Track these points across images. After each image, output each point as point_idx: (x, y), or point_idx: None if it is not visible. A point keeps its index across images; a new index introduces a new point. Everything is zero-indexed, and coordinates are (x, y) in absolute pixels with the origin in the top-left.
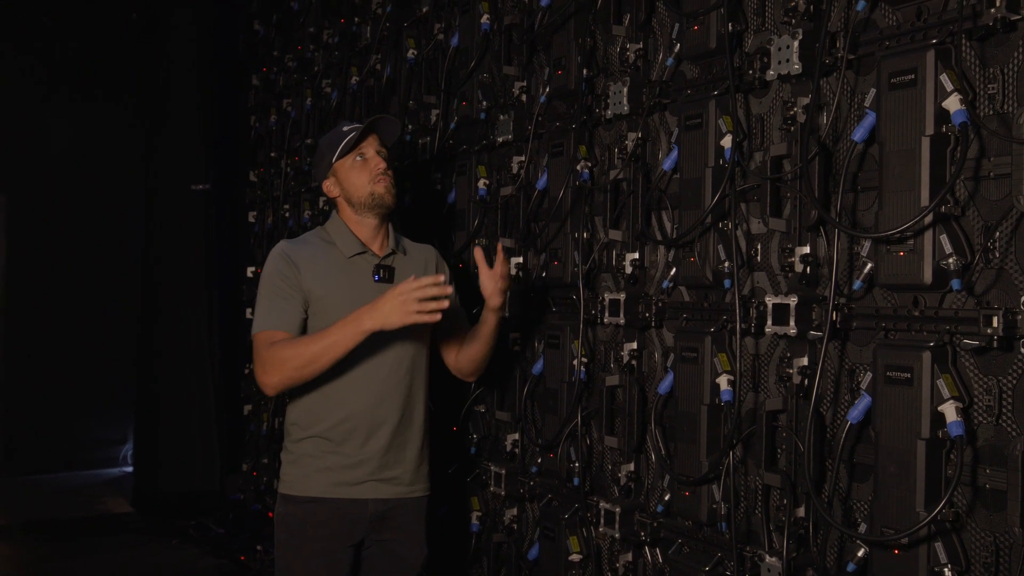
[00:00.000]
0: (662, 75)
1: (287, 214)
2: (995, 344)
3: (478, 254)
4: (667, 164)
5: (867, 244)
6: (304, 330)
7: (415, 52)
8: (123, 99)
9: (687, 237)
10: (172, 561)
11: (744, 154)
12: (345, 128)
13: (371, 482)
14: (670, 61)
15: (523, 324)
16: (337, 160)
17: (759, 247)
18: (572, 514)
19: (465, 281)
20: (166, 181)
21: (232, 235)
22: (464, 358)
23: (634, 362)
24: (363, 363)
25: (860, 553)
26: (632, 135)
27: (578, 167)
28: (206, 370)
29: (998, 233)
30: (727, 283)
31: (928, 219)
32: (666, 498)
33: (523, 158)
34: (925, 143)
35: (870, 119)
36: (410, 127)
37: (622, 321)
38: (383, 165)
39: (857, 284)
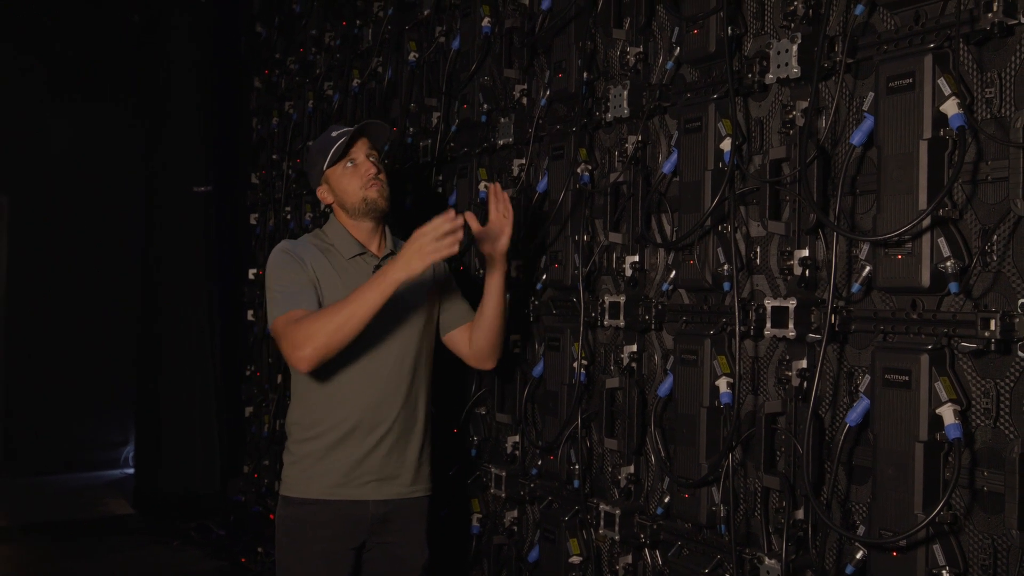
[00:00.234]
0: (662, 78)
1: (288, 216)
2: (993, 347)
3: (489, 192)
4: (667, 167)
5: (865, 247)
6: None
7: (416, 55)
8: (124, 100)
9: (687, 240)
10: (173, 563)
11: (743, 157)
12: (334, 134)
13: (373, 483)
14: (670, 65)
15: (523, 326)
16: (328, 168)
17: (758, 250)
18: (572, 516)
19: (466, 282)
20: (167, 182)
21: (233, 237)
22: (478, 337)
23: (634, 364)
24: (365, 363)
25: (859, 555)
26: (632, 138)
27: (578, 170)
28: (207, 372)
29: (995, 236)
30: (726, 286)
31: (926, 222)
32: (666, 500)
33: (524, 161)
34: (923, 147)
35: (868, 123)
36: (411, 129)
37: (622, 324)
38: (373, 170)
39: (855, 287)
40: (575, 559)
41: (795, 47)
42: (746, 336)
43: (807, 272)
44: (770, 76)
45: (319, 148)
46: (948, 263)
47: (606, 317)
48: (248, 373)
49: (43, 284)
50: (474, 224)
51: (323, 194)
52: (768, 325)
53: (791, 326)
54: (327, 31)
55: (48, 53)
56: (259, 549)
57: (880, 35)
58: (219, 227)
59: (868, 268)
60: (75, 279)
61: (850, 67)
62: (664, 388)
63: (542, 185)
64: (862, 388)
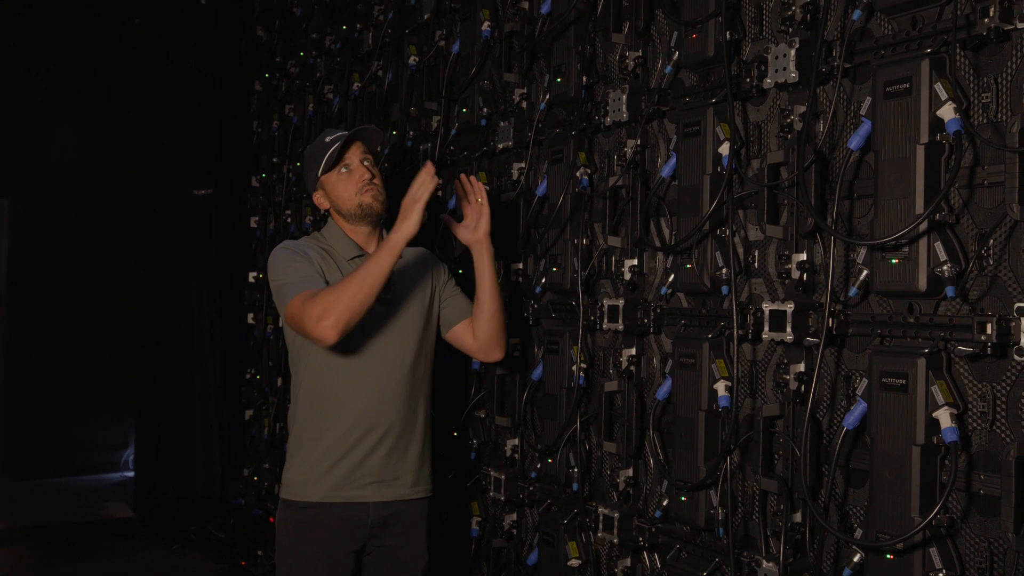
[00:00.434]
0: (661, 83)
1: (289, 219)
2: (989, 351)
3: (457, 186)
4: (665, 171)
5: (863, 251)
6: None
7: (416, 59)
8: (126, 104)
9: (685, 244)
10: (173, 566)
11: (742, 161)
12: (328, 139)
13: (374, 484)
14: (669, 69)
15: (522, 329)
16: (323, 173)
17: (756, 254)
18: (571, 519)
19: (466, 284)
20: (168, 185)
21: (234, 240)
22: (481, 326)
23: (633, 368)
24: (365, 365)
25: (856, 558)
26: (631, 142)
27: (577, 174)
28: (207, 374)
29: (992, 241)
30: (725, 290)
31: (923, 227)
32: (664, 503)
33: (523, 164)
34: (920, 151)
35: (866, 127)
36: (411, 133)
37: (621, 327)
38: (368, 175)
39: (853, 291)
40: (574, 562)
41: (793, 52)
42: (744, 340)
43: (805, 276)
44: (768, 81)
45: (314, 154)
46: (945, 267)
47: (605, 320)
48: (248, 376)
49: (43, 287)
50: (451, 222)
51: (319, 200)
52: (766, 329)
53: (789, 330)
54: (327, 35)
55: (50, 56)
56: (259, 552)
57: (877, 40)
58: (220, 230)
59: (865, 272)
60: (75, 282)
61: (848, 72)
62: (663, 391)
63: (541, 189)
64: (859, 392)
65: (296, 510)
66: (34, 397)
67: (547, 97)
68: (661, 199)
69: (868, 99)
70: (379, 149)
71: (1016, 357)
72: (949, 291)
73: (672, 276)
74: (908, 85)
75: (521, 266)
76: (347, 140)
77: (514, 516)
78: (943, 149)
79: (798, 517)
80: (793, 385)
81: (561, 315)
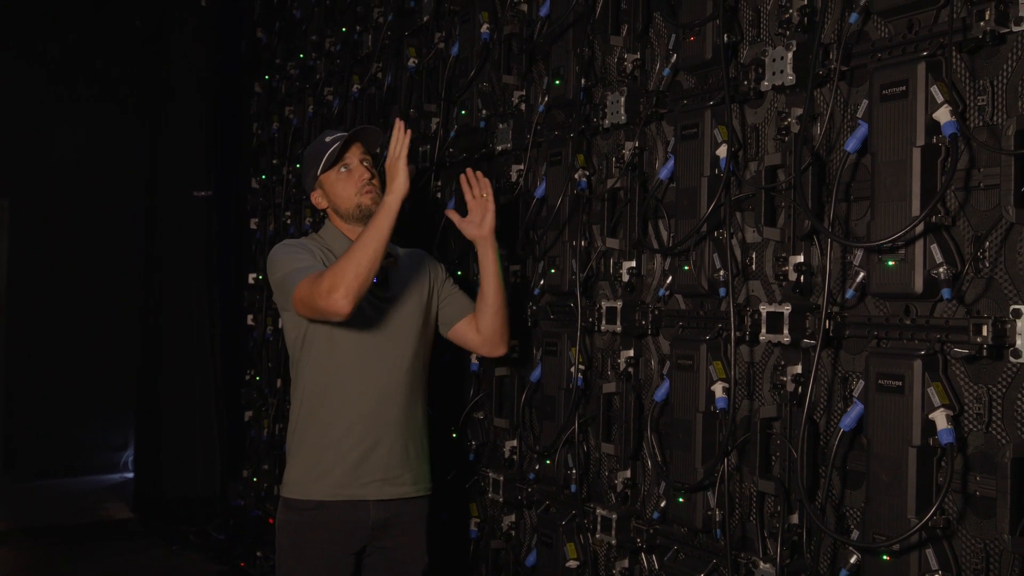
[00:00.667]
0: (659, 85)
1: (288, 221)
2: (985, 352)
3: (462, 180)
4: (663, 173)
5: (859, 253)
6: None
7: (416, 61)
8: (126, 104)
9: (683, 246)
10: (173, 567)
11: (739, 164)
12: (328, 139)
13: (374, 483)
14: (667, 71)
15: (521, 331)
16: (322, 173)
17: (754, 256)
18: (569, 521)
19: (465, 286)
20: (168, 187)
21: (234, 241)
22: (485, 321)
23: (631, 369)
24: (364, 364)
25: (853, 559)
26: (629, 144)
27: (576, 176)
28: (207, 375)
29: (987, 243)
30: (722, 291)
31: (919, 229)
32: (662, 505)
33: (522, 166)
34: (916, 154)
35: (862, 130)
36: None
37: (619, 329)
38: (367, 175)
39: (850, 293)
40: (572, 563)
41: (790, 54)
42: (741, 341)
43: (802, 278)
44: (765, 83)
45: (313, 153)
46: (941, 269)
47: (603, 322)
48: (248, 377)
49: (43, 288)
50: (455, 217)
51: (318, 199)
52: (763, 330)
53: (786, 331)
54: (327, 37)
55: (50, 57)
56: (258, 553)
57: (874, 43)
58: (220, 231)
59: (862, 274)
60: (75, 283)
61: (844, 74)
62: (660, 393)
63: (540, 191)
64: (856, 393)
65: (297, 510)
66: (34, 398)
67: (546, 99)
68: (659, 201)
69: (865, 102)
70: (378, 151)
71: (1012, 359)
72: (945, 293)
73: (670, 278)
74: (904, 88)
75: (520, 267)
76: (347, 140)
77: (513, 517)
78: (939, 152)
79: (795, 518)
80: (790, 387)
81: (559, 317)
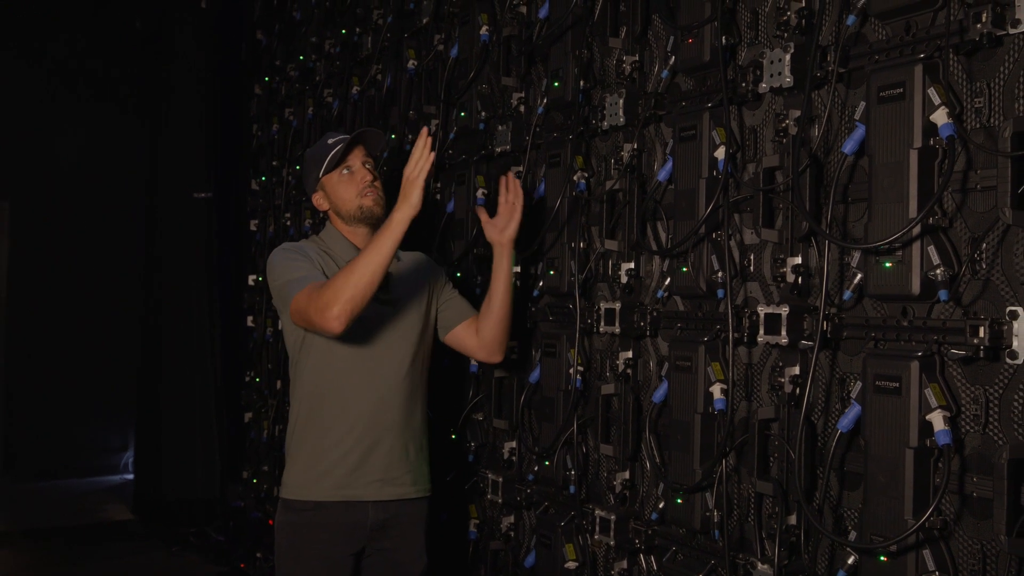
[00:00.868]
0: (657, 87)
1: (288, 223)
2: (981, 354)
3: (501, 182)
4: (662, 175)
5: (857, 255)
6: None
7: (415, 62)
8: (126, 106)
9: (681, 247)
10: (173, 568)
11: (737, 165)
12: (330, 141)
13: (375, 483)
14: (665, 73)
15: (520, 333)
16: (324, 175)
17: (752, 257)
18: (568, 522)
19: (464, 288)
20: (168, 188)
21: (234, 243)
22: (487, 327)
23: (629, 371)
24: (364, 366)
25: (850, 560)
26: (628, 146)
27: (575, 177)
28: (207, 377)
29: (984, 245)
30: (720, 293)
31: (916, 230)
32: (660, 506)
33: (521, 168)
34: (913, 156)
35: (860, 132)
36: (410, 137)
37: (618, 330)
38: (369, 177)
39: (847, 294)
40: (571, 564)
41: (788, 57)
42: (740, 343)
43: (800, 279)
44: (763, 85)
45: (315, 155)
46: (938, 271)
47: (602, 323)
48: (248, 379)
49: (44, 290)
50: (483, 215)
51: (319, 201)
52: (761, 332)
53: (784, 333)
54: (327, 38)
55: (50, 58)
56: (258, 555)
57: (871, 45)
58: (219, 233)
59: (859, 276)
60: (76, 283)
61: (842, 76)
62: (659, 394)
63: (539, 192)
64: (853, 394)
65: (296, 511)
66: (34, 399)
67: (545, 101)
68: (658, 203)
69: (862, 104)
70: (380, 154)
71: (1008, 360)
72: (942, 295)
73: (668, 279)
74: (902, 90)
75: (519, 269)
76: (350, 142)
77: (512, 518)
78: (936, 153)
79: (793, 519)
80: (788, 388)
81: (558, 318)
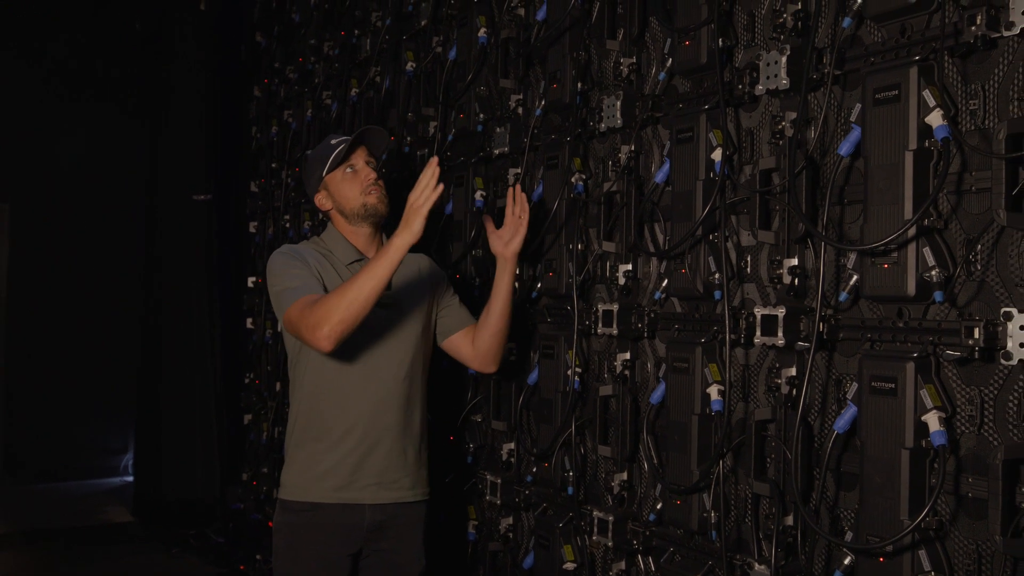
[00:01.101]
0: (654, 89)
1: (287, 224)
2: (977, 355)
3: (509, 194)
4: (659, 177)
5: (853, 256)
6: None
7: (414, 65)
8: (126, 106)
9: (679, 249)
10: (173, 570)
11: (734, 167)
12: (333, 141)
13: (372, 486)
14: (662, 75)
15: (519, 335)
16: (327, 174)
17: (748, 259)
18: (566, 523)
19: (463, 289)
20: (167, 190)
21: (233, 245)
22: (483, 337)
23: (627, 372)
24: (363, 368)
25: (847, 561)
26: (625, 148)
27: (572, 179)
28: (207, 379)
29: (979, 246)
30: (717, 294)
31: (911, 232)
32: (658, 507)
33: (519, 170)
34: (908, 157)
35: (856, 133)
36: (408, 139)
37: (615, 332)
38: (373, 176)
39: (843, 296)
40: (569, 565)
41: (784, 59)
42: (736, 344)
43: (796, 281)
44: (760, 87)
45: (318, 155)
46: (933, 272)
47: (599, 325)
48: (247, 380)
49: (44, 290)
50: (489, 225)
51: (321, 201)
52: (758, 333)
53: (780, 334)
54: (326, 41)
55: (50, 59)
56: (257, 556)
57: (867, 47)
58: (219, 235)
59: (855, 277)
60: (76, 284)
61: (838, 79)
62: (656, 395)
63: (537, 194)
64: (850, 395)
65: (293, 512)
66: (34, 400)
67: (543, 103)
68: (655, 204)
69: (858, 106)
70: (380, 155)
71: (1003, 361)
72: (937, 296)
73: (666, 281)
74: (897, 92)
75: (517, 271)
76: (353, 141)
77: (510, 520)
78: (931, 155)
79: (790, 520)
80: (785, 389)
81: (556, 320)
